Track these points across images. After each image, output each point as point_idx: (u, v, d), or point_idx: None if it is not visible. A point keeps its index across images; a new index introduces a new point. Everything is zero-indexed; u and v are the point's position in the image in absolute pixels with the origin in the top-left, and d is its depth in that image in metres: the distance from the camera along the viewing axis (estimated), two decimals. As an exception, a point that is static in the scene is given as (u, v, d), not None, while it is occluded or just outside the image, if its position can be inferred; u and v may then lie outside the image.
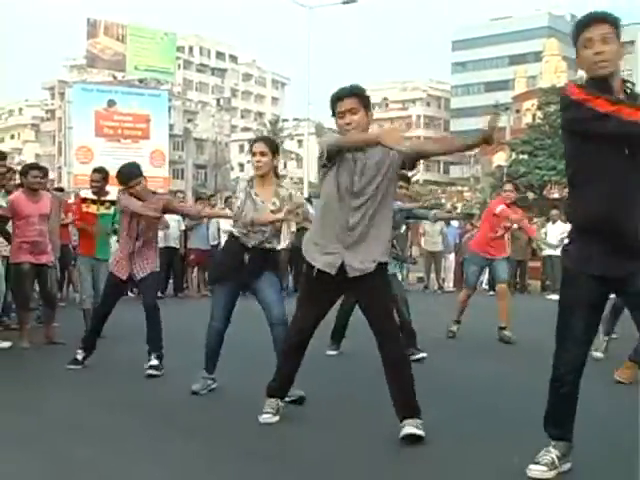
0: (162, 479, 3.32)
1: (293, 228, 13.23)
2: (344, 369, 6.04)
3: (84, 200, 7.48)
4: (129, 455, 3.61)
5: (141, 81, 37.94)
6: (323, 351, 6.53)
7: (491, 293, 12.68)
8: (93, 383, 5.31)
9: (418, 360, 5.92)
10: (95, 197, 7.29)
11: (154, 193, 5.96)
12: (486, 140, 3.66)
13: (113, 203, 7.02)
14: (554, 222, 14.85)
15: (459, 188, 44.68)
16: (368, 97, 3.96)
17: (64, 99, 46.96)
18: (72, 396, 4.88)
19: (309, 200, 16.64)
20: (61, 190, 12.30)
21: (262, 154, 4.69)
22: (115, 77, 37.56)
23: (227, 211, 6.64)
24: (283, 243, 13.54)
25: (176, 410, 4.53)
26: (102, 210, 7.24)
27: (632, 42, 62.50)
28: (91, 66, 38.35)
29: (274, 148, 4.78)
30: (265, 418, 4.11)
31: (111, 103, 35.11)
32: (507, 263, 8.22)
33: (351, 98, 3.86)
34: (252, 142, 4.92)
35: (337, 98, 3.89)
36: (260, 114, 78.10)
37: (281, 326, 4.61)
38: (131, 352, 6.13)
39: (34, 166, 7.17)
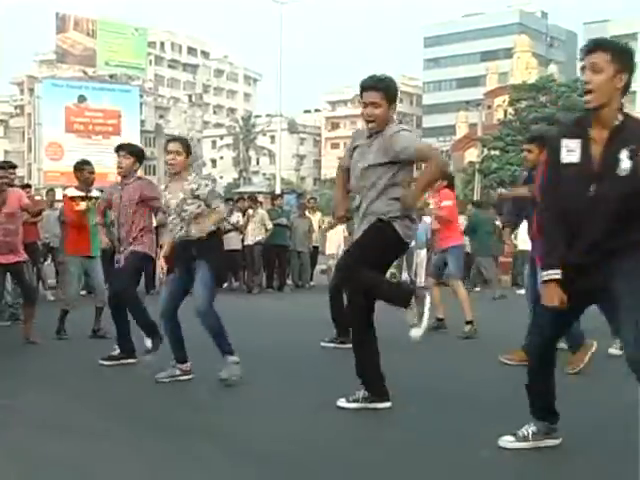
0: (137, 476, 3.30)
1: (270, 226, 13.22)
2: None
3: (72, 199, 7.18)
4: (104, 453, 3.58)
5: (112, 77, 37.57)
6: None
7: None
8: (67, 381, 5.24)
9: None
10: (83, 193, 7.12)
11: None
12: None
13: (97, 199, 7.07)
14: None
15: (431, 184, 44.86)
16: (393, 90, 4.15)
17: (33, 95, 46.40)
18: (46, 394, 4.82)
19: (281, 195, 16.66)
20: (28, 187, 12.12)
21: (177, 153, 5.06)
22: (85, 72, 37.14)
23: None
24: (253, 238, 13.55)
25: (152, 407, 4.52)
26: (91, 206, 7.09)
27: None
28: (61, 61, 37.92)
29: (187, 149, 5.16)
30: None
31: (81, 99, 34.73)
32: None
33: (375, 92, 4.08)
34: (166, 142, 5.27)
35: (362, 88, 4.13)
36: (232, 110, 77.87)
37: (199, 317, 4.94)
38: (107, 349, 6.08)
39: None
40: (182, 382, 5.15)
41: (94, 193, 7.16)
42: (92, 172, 7.15)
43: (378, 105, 4.09)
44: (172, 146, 5.09)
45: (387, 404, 4.27)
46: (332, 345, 6.69)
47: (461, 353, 6.59)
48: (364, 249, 4.20)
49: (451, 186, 7.95)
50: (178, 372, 5.17)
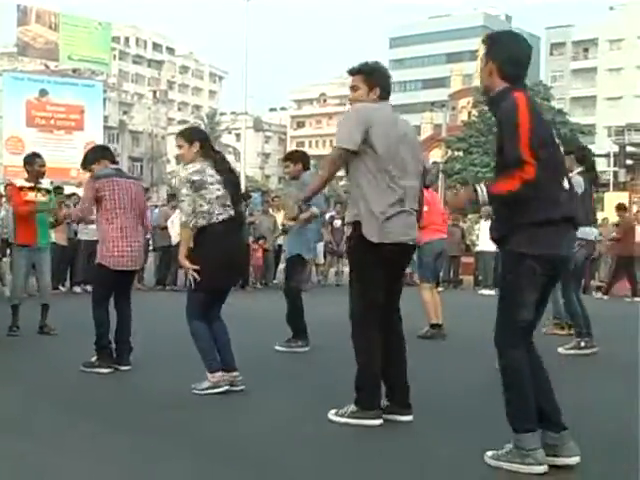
0: (98, 475, 3.26)
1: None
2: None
3: (21, 188, 7.11)
4: (65, 451, 3.56)
5: (75, 71, 37.09)
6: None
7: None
8: (29, 379, 5.21)
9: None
10: (31, 184, 7.06)
11: None
12: None
13: (48, 191, 7.16)
14: (487, 219, 15.20)
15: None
16: (376, 73, 4.16)
17: (-7, 88, 45.62)
18: (6, 391, 4.78)
19: (248, 195, 16.59)
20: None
21: (179, 147, 4.80)
22: (47, 66, 36.62)
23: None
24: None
25: (113, 406, 4.48)
26: (40, 197, 7.07)
27: (563, 43, 64.41)
28: (22, 54, 37.35)
29: (190, 137, 4.80)
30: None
31: (43, 93, 34.28)
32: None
33: (356, 75, 4.17)
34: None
35: (348, 72, 4.26)
36: (197, 107, 77.51)
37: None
38: (69, 348, 6.11)
39: None
40: (142, 382, 5.10)
41: (44, 184, 7.14)
42: (43, 165, 7.07)
43: (357, 88, 4.17)
44: (176, 141, 4.87)
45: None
46: (287, 349, 6.48)
47: (454, 358, 6.45)
48: None
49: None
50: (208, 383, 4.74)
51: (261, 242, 14.01)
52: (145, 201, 5.99)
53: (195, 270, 4.60)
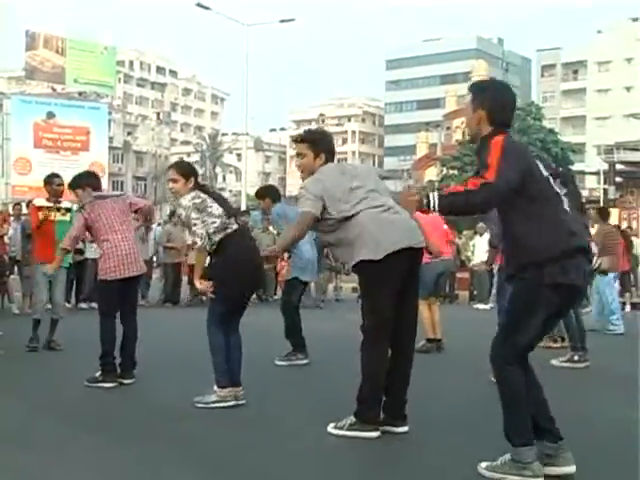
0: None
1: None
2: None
3: (40, 208, 7.32)
4: (69, 463, 3.59)
5: (80, 94, 37.99)
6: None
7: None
8: (34, 393, 5.26)
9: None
10: (50, 204, 7.29)
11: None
12: None
13: (68, 210, 7.30)
14: (481, 235, 14.87)
15: (392, 202, 45.89)
16: (319, 141, 4.38)
17: (2, 110, 46.59)
18: (11, 405, 4.83)
19: (247, 212, 17.40)
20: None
21: (173, 181, 4.98)
22: (54, 89, 37.47)
23: None
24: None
25: (117, 419, 4.54)
26: (59, 217, 7.27)
27: (553, 65, 65.59)
28: (30, 78, 38.13)
29: (184, 172, 5.01)
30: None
31: (50, 115, 34.84)
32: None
33: (301, 143, 4.38)
34: (167, 168, 5.31)
35: (293, 141, 4.55)
36: (199, 128, 78.50)
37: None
38: (74, 363, 6.32)
39: None
40: (145, 395, 5.23)
41: (64, 204, 7.35)
42: (61, 184, 7.27)
43: (303, 155, 4.36)
44: (168, 174, 5.09)
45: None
46: (287, 363, 6.59)
47: (450, 371, 6.56)
48: None
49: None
50: (215, 397, 4.81)
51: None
52: (133, 204, 6.02)
53: (212, 285, 4.77)
